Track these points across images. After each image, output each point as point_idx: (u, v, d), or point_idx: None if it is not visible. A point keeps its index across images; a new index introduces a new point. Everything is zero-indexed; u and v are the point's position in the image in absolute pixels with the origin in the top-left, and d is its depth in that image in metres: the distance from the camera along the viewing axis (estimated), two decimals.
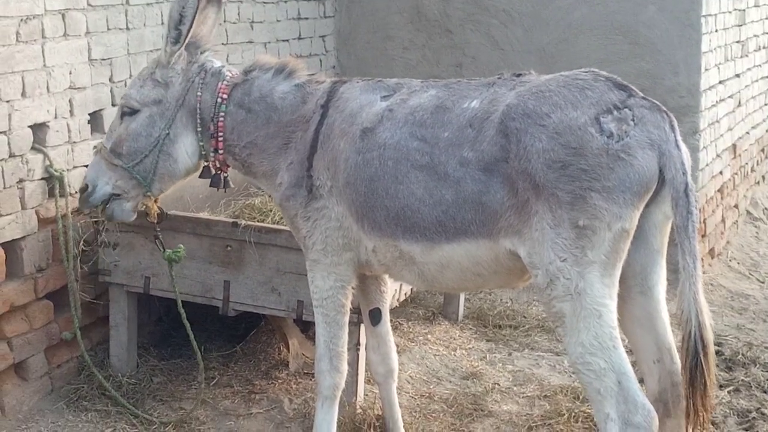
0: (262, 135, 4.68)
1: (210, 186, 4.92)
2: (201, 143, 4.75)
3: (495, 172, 3.98)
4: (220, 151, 4.75)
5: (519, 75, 4.24)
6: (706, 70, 7.75)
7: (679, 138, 3.90)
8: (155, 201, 4.95)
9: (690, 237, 3.80)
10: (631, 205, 3.81)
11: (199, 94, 4.72)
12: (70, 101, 5.60)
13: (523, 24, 7.96)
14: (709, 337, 3.86)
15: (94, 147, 4.94)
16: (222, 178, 4.86)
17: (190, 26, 4.64)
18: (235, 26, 7.14)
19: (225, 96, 4.70)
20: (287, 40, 7.83)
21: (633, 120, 3.84)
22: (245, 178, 5.00)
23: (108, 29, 5.84)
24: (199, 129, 4.73)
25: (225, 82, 4.73)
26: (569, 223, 3.80)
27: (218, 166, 4.81)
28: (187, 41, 4.70)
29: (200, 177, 4.91)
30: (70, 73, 5.58)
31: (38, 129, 5.41)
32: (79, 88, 5.64)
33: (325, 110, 4.53)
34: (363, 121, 4.37)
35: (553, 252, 3.84)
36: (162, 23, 6.29)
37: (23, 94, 5.26)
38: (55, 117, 5.50)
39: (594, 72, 4.04)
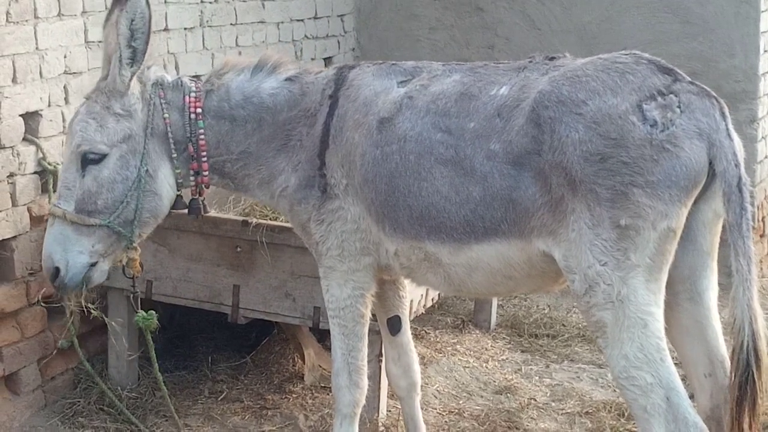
0: (255, 141, 4.64)
1: (188, 214, 4.81)
2: (177, 170, 4.64)
3: (526, 166, 3.99)
4: (205, 173, 4.67)
5: (552, 58, 4.24)
6: (766, 51, 7.74)
7: (731, 127, 3.88)
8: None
9: (744, 236, 3.77)
10: (678, 202, 3.80)
11: (165, 115, 4.59)
12: (65, 88, 5.65)
13: (563, 1, 7.97)
14: (764, 348, 3.83)
15: (46, 218, 4.70)
16: (201, 203, 4.78)
17: (147, 41, 4.46)
18: (245, 5, 7.18)
19: (199, 110, 4.62)
20: (302, 20, 7.86)
21: (679, 107, 3.83)
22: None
23: (106, 8, 5.79)
24: (174, 155, 4.61)
25: (192, 95, 4.64)
26: (610, 223, 3.79)
27: (198, 190, 4.73)
28: (147, 60, 4.54)
29: (173, 209, 4.78)
30: (65, 56, 5.63)
31: (30, 118, 5.46)
32: (74, 73, 5.69)
33: (334, 100, 4.52)
34: (379, 110, 4.37)
35: (591, 255, 3.83)
36: (165, 2, 6.36)
37: (14, 80, 5.32)
38: (49, 105, 5.55)
39: (635, 54, 4.03)
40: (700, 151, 3.80)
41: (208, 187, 4.79)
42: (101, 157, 4.53)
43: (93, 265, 4.59)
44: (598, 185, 3.80)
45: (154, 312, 5.06)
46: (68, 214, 4.50)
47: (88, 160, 4.53)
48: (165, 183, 4.62)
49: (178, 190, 4.70)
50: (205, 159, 4.64)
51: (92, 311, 5.51)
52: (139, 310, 4.99)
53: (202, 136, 4.62)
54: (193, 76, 6.08)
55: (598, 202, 3.81)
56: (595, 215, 3.81)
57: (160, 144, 4.60)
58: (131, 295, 4.95)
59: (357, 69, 4.61)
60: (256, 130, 4.64)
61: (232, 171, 4.69)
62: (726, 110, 3.91)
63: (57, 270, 4.55)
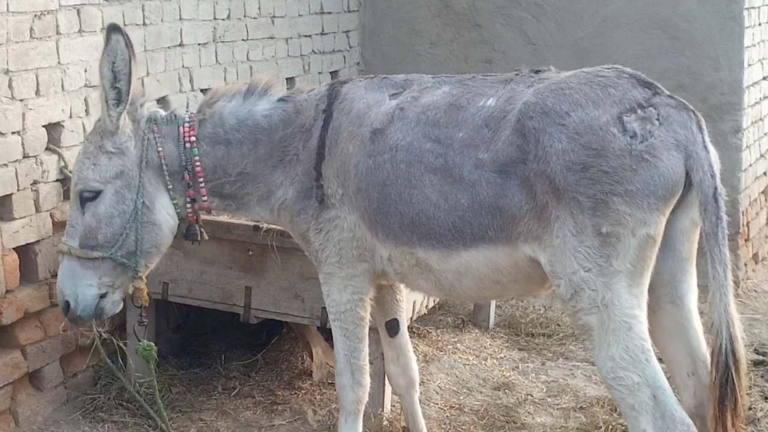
0: (251, 160, 4.63)
1: (186, 239, 4.81)
2: (174, 201, 4.62)
3: (512, 175, 3.98)
4: (204, 198, 4.66)
5: (537, 71, 4.24)
6: (749, 65, 7.75)
7: (708, 139, 3.87)
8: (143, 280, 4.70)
9: (720, 244, 3.76)
10: (656, 210, 3.79)
11: (160, 149, 4.58)
12: (85, 100, 5.66)
13: (557, 18, 7.99)
14: (741, 351, 3.82)
15: (61, 251, 4.64)
16: (198, 230, 4.77)
17: (129, 81, 4.45)
18: (256, 21, 7.20)
19: (193, 139, 4.61)
20: (309, 36, 7.88)
21: (658, 119, 3.82)
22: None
23: (124, 25, 5.87)
24: (170, 186, 4.60)
25: (186, 125, 4.63)
26: (592, 230, 3.78)
27: (195, 217, 4.71)
28: (130, 100, 4.52)
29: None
30: (86, 70, 5.65)
31: (53, 129, 5.47)
32: (94, 86, 5.67)
33: (328, 114, 4.51)
34: (372, 121, 4.36)
35: (576, 261, 3.83)
36: (180, 19, 6.37)
37: (37, 93, 5.33)
38: (70, 116, 5.57)
39: (617, 68, 4.02)
40: (677, 161, 3.79)
41: (210, 212, 4.79)
42: (96, 194, 4.53)
43: (103, 296, 4.60)
44: (580, 194, 3.79)
45: (153, 344, 5.05)
46: (73, 249, 4.53)
47: (85, 198, 4.54)
48: (163, 212, 4.61)
49: (179, 220, 4.69)
50: (202, 185, 4.63)
51: (107, 338, 5.41)
52: (143, 340, 4.98)
53: (197, 163, 4.61)
54: (206, 89, 6.15)
55: (580, 210, 3.80)
56: (578, 223, 3.81)
57: (156, 177, 4.59)
58: (137, 324, 4.92)
59: (349, 84, 4.60)
60: (252, 150, 4.63)
61: (232, 191, 4.68)
62: (703, 123, 3.90)
63: (68, 303, 4.58)
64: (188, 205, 4.66)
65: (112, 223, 4.54)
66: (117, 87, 4.46)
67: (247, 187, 4.67)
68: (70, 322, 4.76)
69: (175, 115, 4.69)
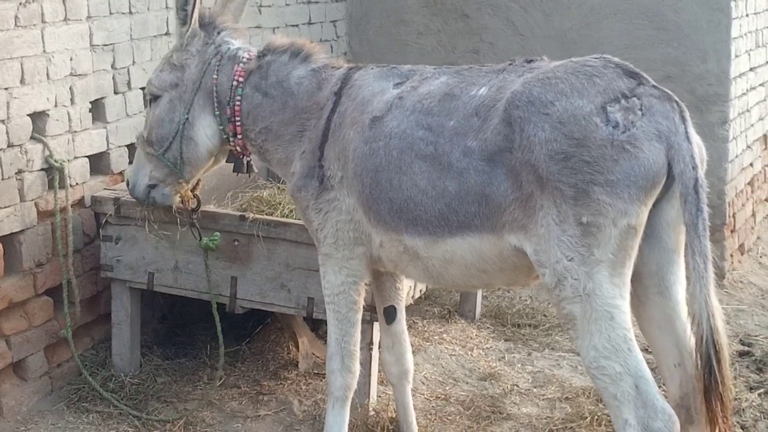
0: (277, 121, 4.78)
1: (233, 171, 5.13)
2: (221, 126, 4.89)
3: (499, 163, 3.99)
4: (239, 136, 4.88)
5: (530, 61, 4.24)
6: (737, 56, 7.75)
7: (691, 130, 3.86)
8: (193, 188, 5.17)
9: (700, 236, 3.76)
10: (637, 201, 3.78)
11: (215, 76, 4.87)
12: (70, 89, 5.63)
13: (544, 8, 7.98)
14: (723, 341, 3.83)
15: (137, 137, 5.21)
16: (244, 162, 5.04)
17: (194, 6, 4.86)
18: None
19: (241, 79, 4.84)
20: (297, 25, 7.86)
21: (641, 110, 3.81)
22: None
23: (110, 13, 5.87)
24: (217, 112, 4.87)
25: (242, 65, 4.86)
26: (574, 220, 3.79)
27: (239, 150, 4.96)
28: (194, 22, 4.88)
29: (227, 161, 5.11)
30: (71, 59, 5.62)
31: (38, 117, 5.44)
32: (80, 75, 5.68)
33: (338, 98, 4.60)
34: (373, 109, 4.42)
35: (559, 250, 3.83)
36: (166, 7, 6.34)
37: (22, 82, 5.30)
38: (55, 105, 5.53)
39: (605, 58, 4.02)
40: (658, 152, 3.79)
41: (248, 154, 5.03)
42: (156, 98, 5.03)
43: (153, 186, 5.13)
44: (562, 183, 3.80)
45: (218, 234, 5.40)
46: (140, 139, 5.10)
47: (150, 98, 5.08)
48: (202, 133, 4.95)
49: (225, 144, 4.98)
50: (238, 123, 4.86)
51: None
52: (204, 237, 5.35)
53: (238, 102, 4.84)
54: None
55: (563, 200, 3.80)
56: (561, 212, 3.81)
57: (205, 99, 4.91)
58: (191, 226, 5.34)
59: (362, 70, 4.70)
60: (279, 111, 4.79)
61: (257, 142, 4.89)
62: (686, 114, 3.89)
63: (128, 182, 5.26)
64: (231, 138, 4.91)
65: (162, 126, 4.99)
66: (185, 9, 4.90)
67: (267, 144, 4.85)
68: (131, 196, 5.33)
69: (237, 53, 4.94)
